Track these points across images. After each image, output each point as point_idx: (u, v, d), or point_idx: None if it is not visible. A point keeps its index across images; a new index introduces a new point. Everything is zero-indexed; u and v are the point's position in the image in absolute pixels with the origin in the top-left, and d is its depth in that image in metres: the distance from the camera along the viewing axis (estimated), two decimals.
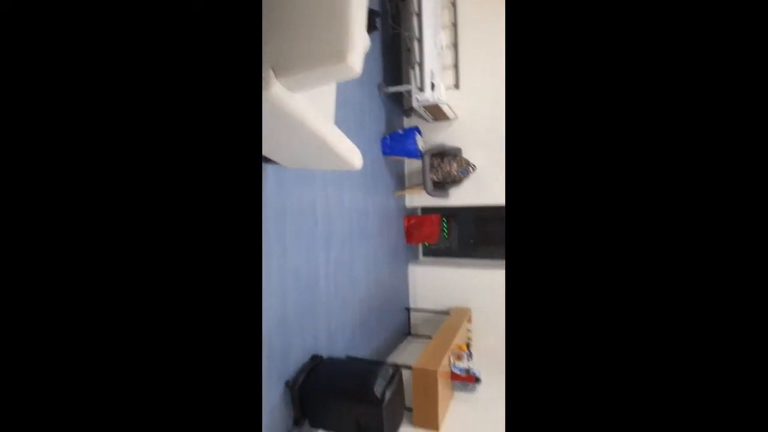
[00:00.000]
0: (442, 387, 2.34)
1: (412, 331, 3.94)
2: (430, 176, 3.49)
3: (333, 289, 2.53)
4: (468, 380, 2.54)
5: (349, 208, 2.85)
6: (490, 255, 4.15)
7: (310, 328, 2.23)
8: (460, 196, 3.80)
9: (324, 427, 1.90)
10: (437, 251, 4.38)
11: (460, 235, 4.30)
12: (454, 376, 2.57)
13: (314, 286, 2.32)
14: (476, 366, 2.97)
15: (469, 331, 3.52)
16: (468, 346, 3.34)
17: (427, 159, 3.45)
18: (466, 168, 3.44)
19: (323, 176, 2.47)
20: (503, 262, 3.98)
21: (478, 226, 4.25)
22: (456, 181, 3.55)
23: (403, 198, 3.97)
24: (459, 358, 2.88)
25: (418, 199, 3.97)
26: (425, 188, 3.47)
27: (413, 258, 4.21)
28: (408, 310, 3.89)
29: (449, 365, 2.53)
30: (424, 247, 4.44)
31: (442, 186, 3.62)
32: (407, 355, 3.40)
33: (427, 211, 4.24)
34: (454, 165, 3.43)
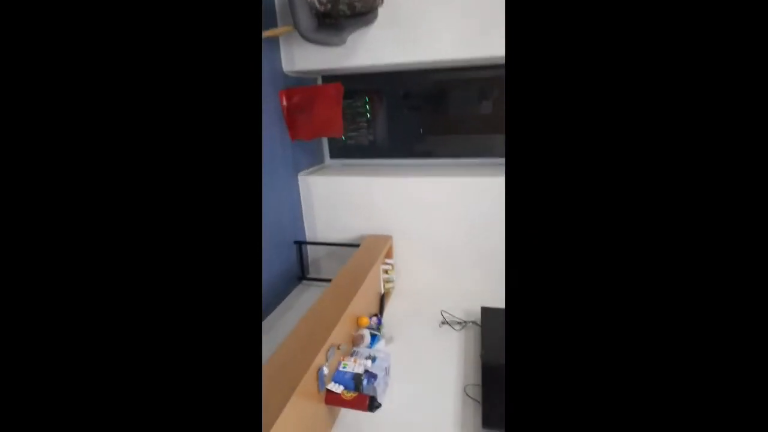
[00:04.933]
0: None
1: (310, 273, 2.65)
2: None
3: None
4: (357, 405, 1.33)
5: None
6: (444, 152, 2.69)
7: None
8: (376, 50, 2.10)
9: None
10: (353, 149, 2.83)
11: (391, 120, 2.72)
12: (330, 398, 1.34)
13: None
14: (387, 347, 1.77)
15: (387, 272, 2.27)
16: (382, 300, 2.11)
17: None
18: None
19: None
20: (460, 162, 2.56)
21: (415, 103, 2.67)
22: (356, 9, 1.79)
23: (276, 55, 2.19)
24: (355, 342, 1.63)
25: (304, 56, 2.21)
26: (296, 25, 1.72)
27: (310, 163, 2.65)
28: (299, 244, 2.51)
29: (317, 378, 1.28)
30: (335, 143, 2.86)
31: (333, 21, 1.87)
32: (291, 316, 2.15)
33: (329, 80, 2.53)
34: None
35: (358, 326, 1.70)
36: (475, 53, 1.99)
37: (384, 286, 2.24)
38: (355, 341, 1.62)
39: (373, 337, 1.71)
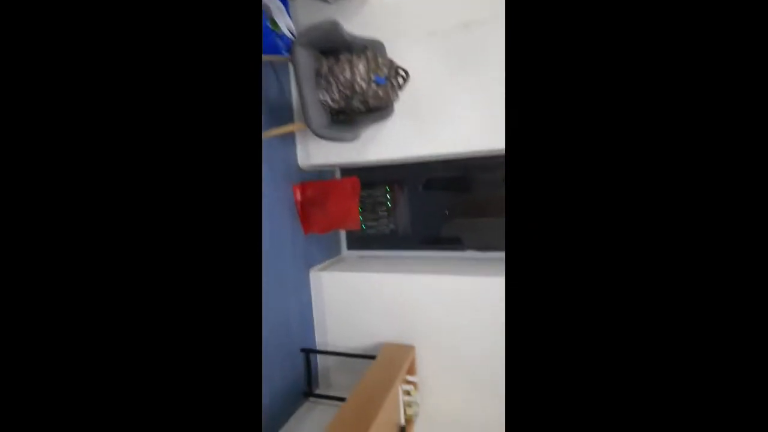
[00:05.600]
0: None
1: (318, 388, 2.26)
2: (317, 95, 1.66)
3: None
4: None
5: None
6: (472, 238, 2.43)
7: None
8: (394, 143, 2.00)
9: None
10: (373, 239, 2.63)
11: (413, 207, 2.54)
12: None
13: None
14: None
15: (409, 394, 1.85)
16: None
17: (305, 56, 1.60)
18: (388, 74, 1.60)
19: None
20: (489, 256, 2.26)
21: (435, 192, 2.50)
22: (370, 105, 1.72)
23: (291, 150, 2.14)
24: None
25: (320, 150, 2.15)
26: (308, 122, 1.65)
27: (324, 256, 2.45)
28: (307, 352, 2.18)
29: None
30: (353, 234, 2.68)
31: (346, 117, 1.80)
32: None
33: (348, 174, 2.45)
34: (360, 67, 1.58)
35: None
36: (496, 144, 1.83)
37: (405, 412, 1.82)
38: None
39: None
